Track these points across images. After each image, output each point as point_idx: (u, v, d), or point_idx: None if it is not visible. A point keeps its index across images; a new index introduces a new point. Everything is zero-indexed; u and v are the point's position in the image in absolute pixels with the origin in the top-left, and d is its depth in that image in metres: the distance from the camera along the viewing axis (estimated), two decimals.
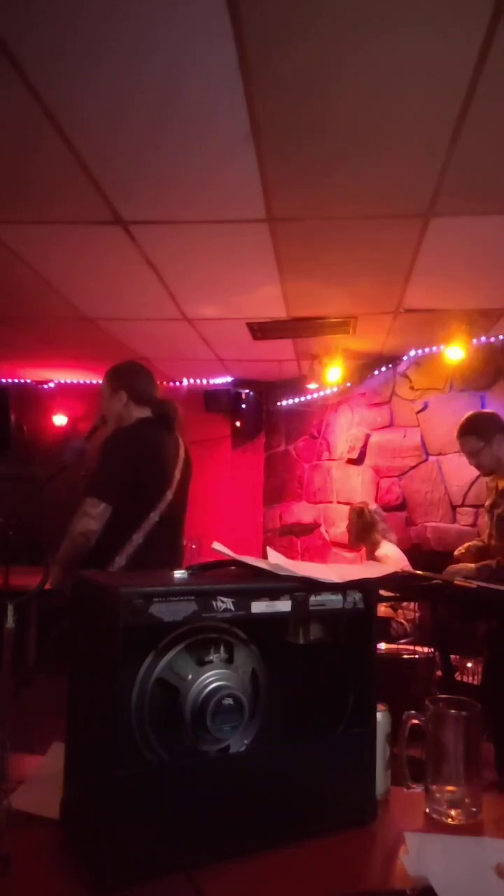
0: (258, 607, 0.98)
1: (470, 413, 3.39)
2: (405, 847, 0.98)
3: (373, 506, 4.32)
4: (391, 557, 3.93)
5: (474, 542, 3.40)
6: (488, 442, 3.15)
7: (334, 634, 1.08)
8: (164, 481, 2.64)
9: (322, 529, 5.63)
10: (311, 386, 5.54)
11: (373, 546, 4.14)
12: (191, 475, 2.80)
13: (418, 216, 2.78)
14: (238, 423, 6.14)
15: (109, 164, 2.41)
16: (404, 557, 4.04)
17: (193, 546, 3.60)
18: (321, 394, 5.61)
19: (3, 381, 6.21)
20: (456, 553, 3.42)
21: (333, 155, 2.33)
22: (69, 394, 6.35)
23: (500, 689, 2.72)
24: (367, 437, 5.19)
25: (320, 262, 3.31)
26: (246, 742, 1.04)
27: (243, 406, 6.09)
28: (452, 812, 1.07)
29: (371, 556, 4.15)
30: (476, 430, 3.19)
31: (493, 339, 4.38)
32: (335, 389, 5.33)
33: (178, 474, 2.69)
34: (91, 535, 2.46)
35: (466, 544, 3.41)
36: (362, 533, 4.20)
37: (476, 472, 3.59)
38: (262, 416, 6.28)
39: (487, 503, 3.34)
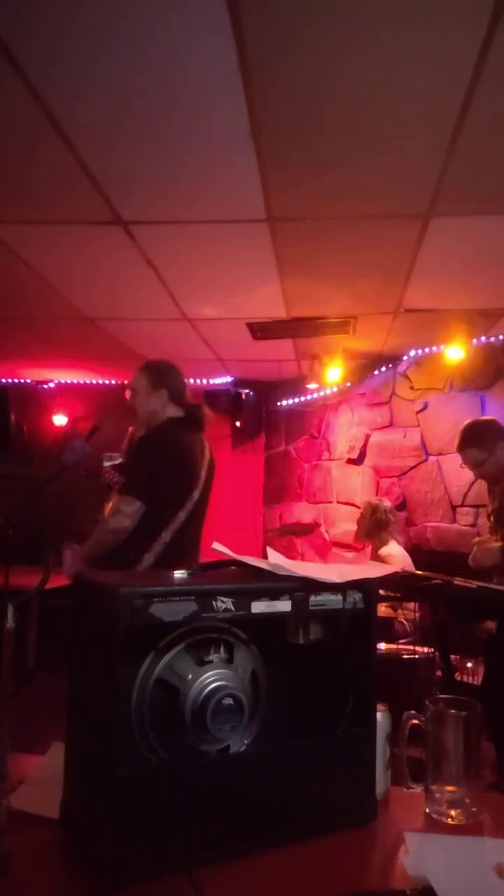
0: (258, 607, 0.98)
1: (467, 423, 3.27)
2: (405, 847, 0.98)
3: (388, 504, 4.28)
4: (396, 557, 3.92)
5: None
6: (491, 452, 3.07)
7: (334, 634, 1.08)
8: (192, 481, 2.67)
9: (322, 529, 5.63)
10: (311, 386, 5.53)
11: (379, 543, 4.12)
12: (214, 476, 2.83)
13: (418, 216, 2.78)
14: (238, 423, 6.14)
15: (109, 164, 2.41)
16: (409, 558, 4.02)
17: None
18: (321, 394, 5.60)
19: (3, 381, 6.21)
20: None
21: (333, 155, 2.33)
22: (69, 394, 6.35)
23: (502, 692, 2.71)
24: (367, 437, 5.19)
25: (320, 262, 3.30)
26: (246, 742, 1.04)
27: (243, 406, 6.09)
28: (452, 812, 1.07)
29: (375, 555, 4.14)
30: (477, 442, 3.12)
31: (493, 339, 4.37)
32: (335, 389, 5.32)
33: (203, 474, 2.72)
34: (123, 532, 2.50)
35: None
36: (372, 529, 4.17)
37: None
38: (262, 416, 6.27)
39: (492, 507, 3.29)
